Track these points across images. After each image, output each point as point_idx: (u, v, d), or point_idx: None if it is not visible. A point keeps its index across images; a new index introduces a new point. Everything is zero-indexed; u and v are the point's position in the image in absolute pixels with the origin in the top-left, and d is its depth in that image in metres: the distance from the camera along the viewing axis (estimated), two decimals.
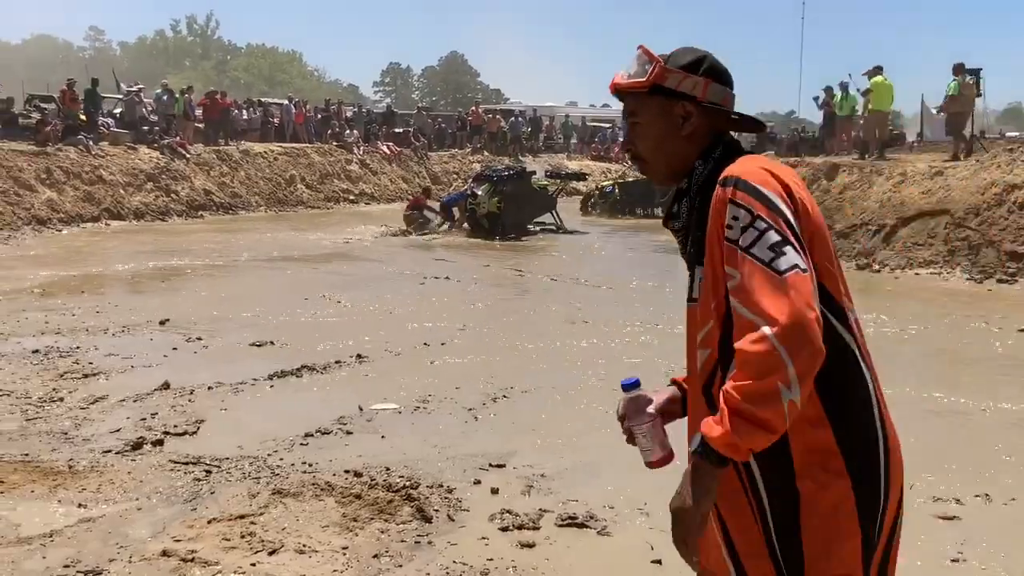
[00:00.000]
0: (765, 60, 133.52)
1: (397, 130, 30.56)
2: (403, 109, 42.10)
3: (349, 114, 30.91)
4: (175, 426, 5.28)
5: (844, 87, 19.34)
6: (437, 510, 4.07)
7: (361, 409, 5.70)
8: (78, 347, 7.27)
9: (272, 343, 7.61)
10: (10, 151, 17.79)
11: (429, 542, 3.76)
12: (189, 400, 5.86)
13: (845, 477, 1.61)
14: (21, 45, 73.84)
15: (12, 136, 19.05)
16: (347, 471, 4.49)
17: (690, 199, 1.77)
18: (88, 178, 18.89)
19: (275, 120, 27.17)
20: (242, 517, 3.91)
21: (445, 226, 18.00)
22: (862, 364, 1.67)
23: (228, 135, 24.17)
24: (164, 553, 3.56)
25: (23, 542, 3.68)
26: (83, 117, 20.66)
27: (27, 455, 4.71)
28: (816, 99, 21.49)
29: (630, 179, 23.20)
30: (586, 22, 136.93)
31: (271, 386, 6.33)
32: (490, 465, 4.71)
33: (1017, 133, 29.73)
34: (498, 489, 4.36)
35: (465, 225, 17.68)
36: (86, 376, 6.41)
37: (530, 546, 3.75)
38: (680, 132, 1.77)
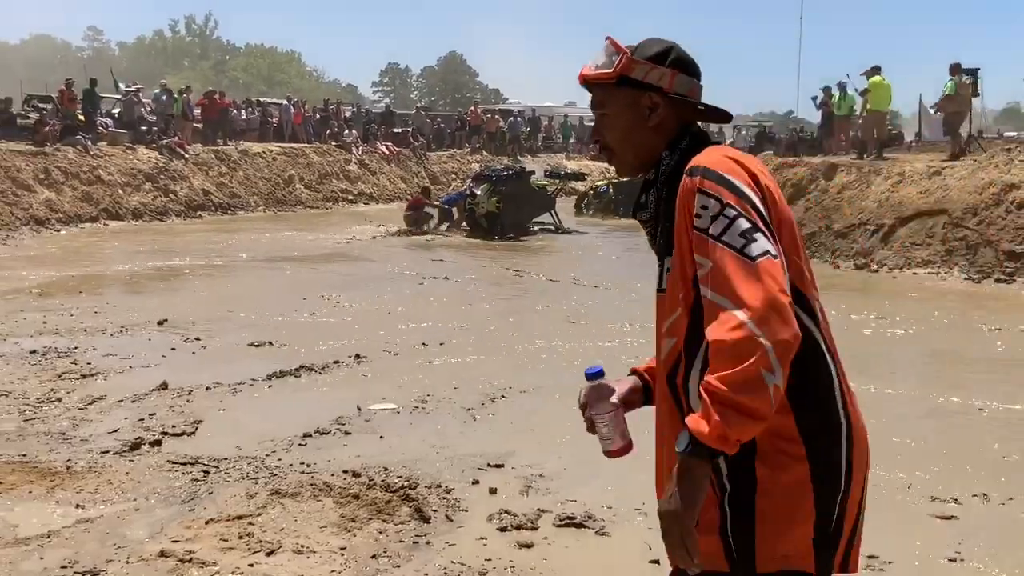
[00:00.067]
0: (764, 60, 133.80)
1: (396, 130, 30.56)
2: (402, 109, 42.10)
3: (348, 114, 30.94)
4: (173, 426, 5.28)
5: (842, 87, 19.31)
6: (435, 510, 4.07)
7: (359, 409, 5.70)
8: (76, 347, 7.27)
9: (270, 343, 7.61)
10: (8, 151, 17.75)
11: (427, 542, 3.76)
12: (187, 400, 5.86)
13: (804, 462, 1.63)
14: (20, 45, 73.74)
15: (10, 136, 19.02)
16: (345, 471, 4.49)
17: (657, 190, 1.79)
18: (86, 178, 18.87)
19: (274, 120, 27.17)
20: (240, 517, 3.91)
21: (444, 226, 18.01)
22: (826, 353, 1.69)
23: (227, 135, 24.15)
24: (162, 554, 3.56)
25: (21, 543, 3.68)
26: (81, 117, 20.65)
27: (25, 455, 4.71)
28: (814, 99, 21.45)
29: (624, 179, 23.17)
30: (586, 22, 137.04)
31: (269, 386, 6.33)
32: (488, 465, 4.71)
33: (1015, 133, 29.72)
34: (496, 489, 4.36)
35: (464, 225, 17.69)
36: (84, 376, 6.40)
37: (528, 546, 3.76)
38: (647, 123, 1.78)
